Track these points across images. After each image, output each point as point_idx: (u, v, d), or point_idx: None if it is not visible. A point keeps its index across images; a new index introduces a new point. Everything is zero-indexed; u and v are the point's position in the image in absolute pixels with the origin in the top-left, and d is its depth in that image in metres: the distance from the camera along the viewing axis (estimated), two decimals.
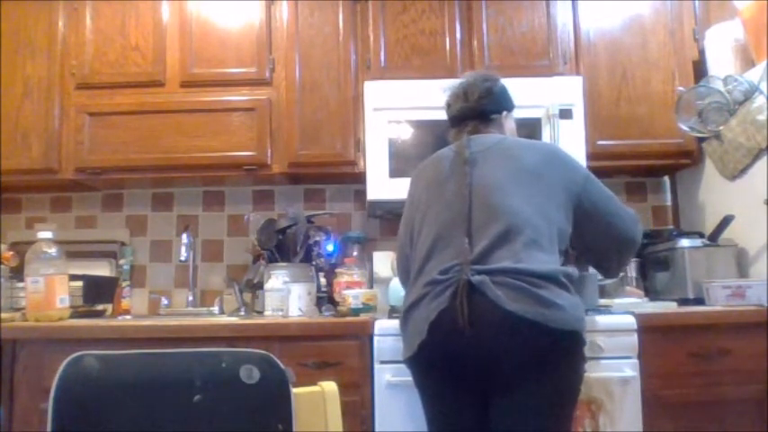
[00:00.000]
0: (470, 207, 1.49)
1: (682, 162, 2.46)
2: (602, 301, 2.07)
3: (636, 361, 1.82)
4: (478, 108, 1.69)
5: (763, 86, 2.06)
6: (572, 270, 1.47)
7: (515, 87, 1.80)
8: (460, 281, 1.39)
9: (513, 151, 1.58)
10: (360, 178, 2.40)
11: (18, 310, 2.08)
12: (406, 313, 1.51)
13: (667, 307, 2.01)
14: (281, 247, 2.39)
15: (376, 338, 1.84)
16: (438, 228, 1.53)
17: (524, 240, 1.43)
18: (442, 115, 1.81)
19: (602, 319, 1.84)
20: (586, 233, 1.59)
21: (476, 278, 1.38)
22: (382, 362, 1.82)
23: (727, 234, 2.17)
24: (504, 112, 1.74)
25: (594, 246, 1.65)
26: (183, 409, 0.94)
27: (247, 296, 2.54)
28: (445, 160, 1.64)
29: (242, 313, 2.47)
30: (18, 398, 1.88)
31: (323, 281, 2.40)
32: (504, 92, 1.74)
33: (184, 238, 2.49)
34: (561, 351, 1.38)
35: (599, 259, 1.74)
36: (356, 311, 2.06)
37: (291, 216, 2.44)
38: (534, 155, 1.58)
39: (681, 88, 2.31)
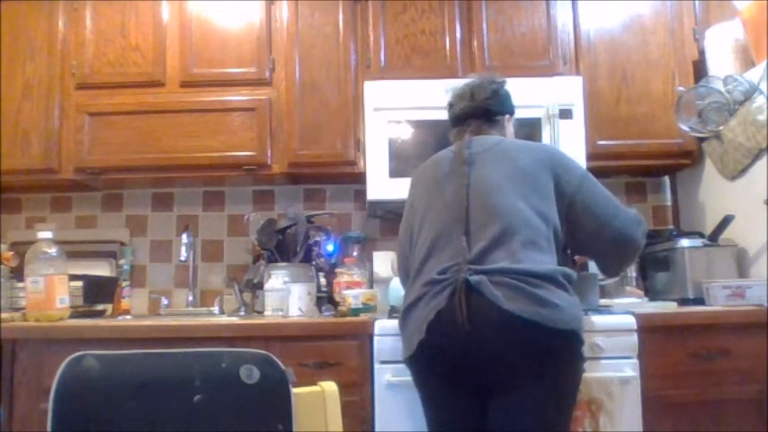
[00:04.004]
0: (468, 207, 1.50)
1: (682, 162, 2.46)
2: (603, 301, 2.07)
3: (636, 361, 1.82)
4: (484, 107, 1.70)
5: (763, 86, 2.06)
6: (570, 270, 1.47)
7: (515, 87, 1.80)
8: (459, 280, 1.39)
9: (510, 153, 1.59)
10: (360, 178, 2.40)
11: (18, 310, 2.08)
12: (404, 313, 1.52)
13: (667, 307, 2.01)
14: (281, 247, 2.39)
15: (376, 338, 1.84)
16: (437, 228, 1.53)
17: (522, 240, 1.43)
18: (443, 115, 1.81)
19: (602, 319, 1.84)
20: (581, 233, 1.58)
21: (474, 278, 1.38)
22: (382, 362, 1.82)
23: (727, 234, 2.17)
24: (507, 116, 1.76)
25: (591, 246, 1.64)
26: (183, 409, 0.94)
27: (247, 296, 2.54)
28: (444, 161, 1.64)
29: (242, 313, 2.47)
30: (18, 398, 1.87)
31: (323, 281, 2.40)
32: (508, 96, 1.76)
33: (184, 238, 2.49)
34: (559, 350, 1.38)
35: (596, 259, 1.73)
36: (356, 311, 2.06)
37: (291, 216, 2.44)
38: (530, 156, 1.58)
39: (681, 88, 2.31)
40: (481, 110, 1.70)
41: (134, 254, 2.72)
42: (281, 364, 0.98)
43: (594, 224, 1.58)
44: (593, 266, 1.92)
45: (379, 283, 2.50)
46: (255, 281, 2.41)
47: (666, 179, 2.73)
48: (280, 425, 0.96)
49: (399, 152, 2.27)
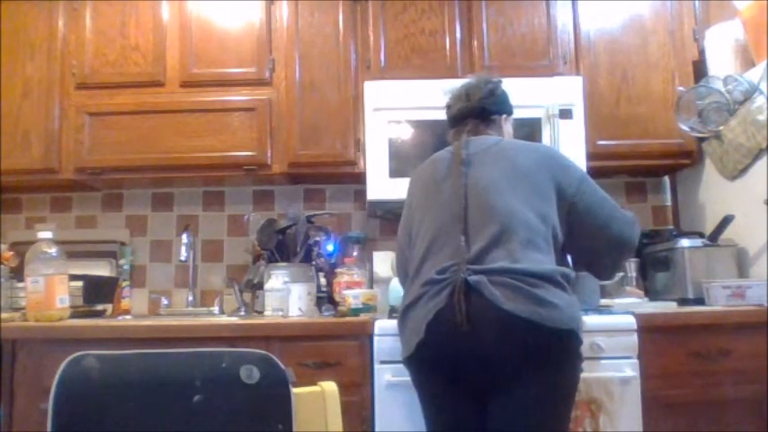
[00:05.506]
0: (466, 207, 1.49)
1: (682, 162, 2.46)
2: (603, 301, 2.07)
3: (636, 361, 1.82)
4: (479, 107, 1.69)
5: (763, 86, 2.06)
6: (569, 270, 1.47)
7: (515, 87, 1.80)
8: (458, 280, 1.39)
9: (508, 153, 1.59)
10: (360, 178, 2.41)
11: (18, 310, 2.08)
12: (403, 313, 1.52)
13: (667, 307, 2.01)
14: (281, 247, 2.39)
15: (376, 338, 1.84)
16: (435, 228, 1.53)
17: (520, 240, 1.43)
18: (442, 115, 1.81)
19: (602, 319, 1.84)
20: (580, 234, 1.58)
21: (473, 278, 1.38)
22: (382, 362, 1.83)
23: (727, 234, 2.17)
24: (504, 116, 1.76)
25: (588, 247, 1.63)
26: (183, 409, 0.94)
27: (247, 296, 2.54)
28: (442, 162, 1.64)
29: (242, 313, 2.47)
30: (18, 398, 1.88)
31: (323, 281, 2.40)
32: (505, 95, 1.76)
33: (184, 238, 2.49)
34: (557, 350, 1.38)
35: (592, 260, 1.70)
36: (356, 311, 2.06)
37: (291, 216, 2.44)
38: (529, 156, 1.58)
39: (681, 88, 2.31)
40: (477, 110, 1.70)
41: (134, 254, 2.72)
42: (281, 364, 0.98)
43: (594, 225, 1.58)
44: None
45: (379, 283, 2.50)
46: (255, 281, 2.41)
47: (666, 179, 2.73)
48: (280, 425, 0.96)
49: (399, 152, 2.27)
